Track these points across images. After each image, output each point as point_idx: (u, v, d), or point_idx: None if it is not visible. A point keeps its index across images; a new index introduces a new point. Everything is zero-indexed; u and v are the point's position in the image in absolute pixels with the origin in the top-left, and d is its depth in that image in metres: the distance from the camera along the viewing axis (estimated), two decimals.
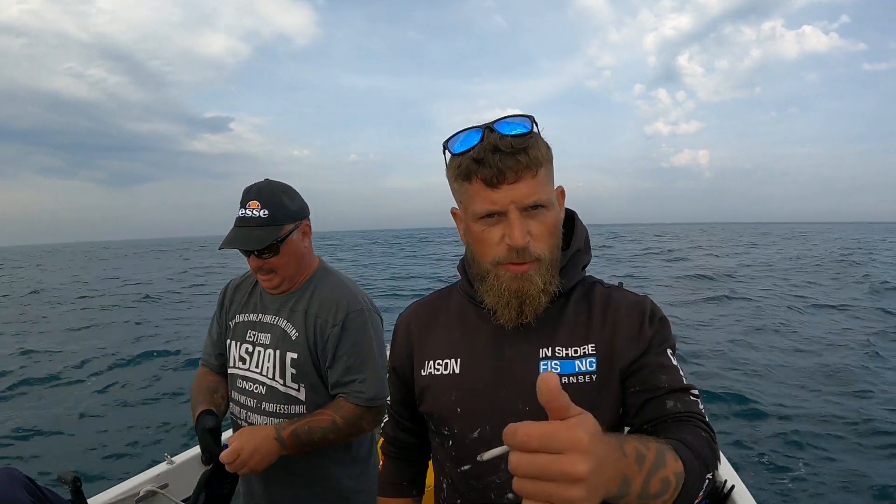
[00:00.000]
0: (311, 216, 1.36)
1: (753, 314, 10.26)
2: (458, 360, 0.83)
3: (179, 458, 1.95)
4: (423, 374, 0.86)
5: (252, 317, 1.36)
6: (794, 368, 6.47)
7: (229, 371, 1.38)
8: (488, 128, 0.74)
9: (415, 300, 0.97)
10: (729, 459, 1.91)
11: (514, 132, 0.73)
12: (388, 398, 1.01)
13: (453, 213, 0.85)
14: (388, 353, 1.25)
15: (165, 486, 1.82)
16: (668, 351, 0.80)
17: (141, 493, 1.76)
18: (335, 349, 1.27)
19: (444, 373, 0.83)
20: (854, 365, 6.41)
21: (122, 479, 1.80)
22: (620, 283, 0.97)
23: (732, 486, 1.67)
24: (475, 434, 0.80)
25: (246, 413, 1.34)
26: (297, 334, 1.29)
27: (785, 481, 3.74)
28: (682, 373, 0.79)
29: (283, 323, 1.31)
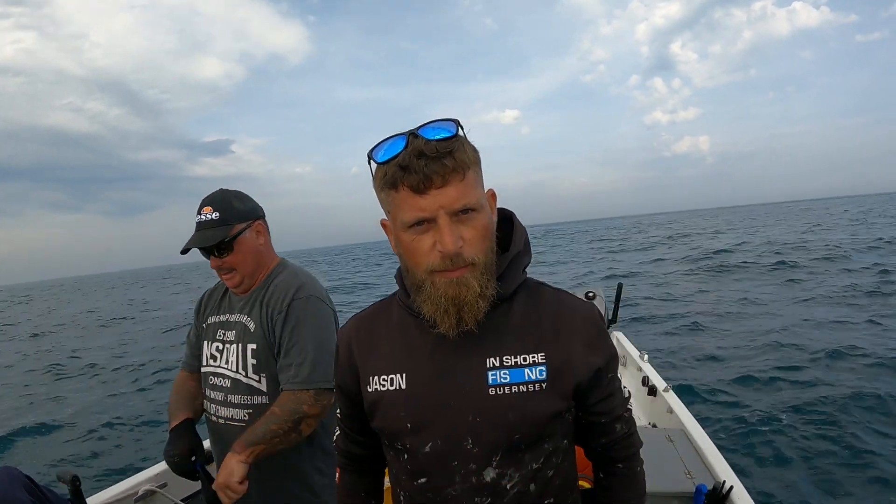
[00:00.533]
0: (266, 220, 1.46)
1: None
2: (404, 374, 0.81)
3: None
4: (369, 390, 0.84)
5: (222, 317, 1.45)
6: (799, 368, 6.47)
7: (202, 370, 1.46)
8: (412, 134, 0.72)
9: (354, 314, 0.94)
10: (728, 460, 1.92)
11: (438, 136, 0.71)
12: (332, 388, 1.03)
13: (383, 224, 0.82)
14: (334, 335, 1.32)
15: (164, 485, 1.83)
16: (617, 370, 0.87)
17: (140, 493, 1.76)
18: (279, 335, 1.33)
19: (391, 388, 0.82)
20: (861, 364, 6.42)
21: (120, 479, 1.81)
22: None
23: (731, 487, 1.68)
24: (427, 448, 0.79)
25: (215, 407, 1.41)
26: (254, 326, 1.37)
27: (785, 481, 3.75)
28: (622, 390, 0.90)
29: (244, 318, 1.39)
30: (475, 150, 0.75)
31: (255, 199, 1.45)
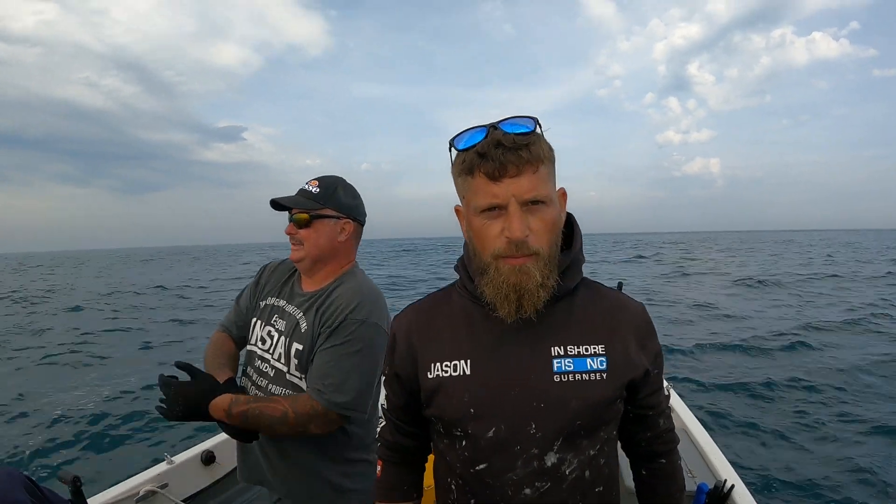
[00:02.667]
0: (363, 228, 1.45)
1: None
2: (469, 360, 0.83)
3: (179, 458, 1.95)
4: (429, 376, 0.85)
5: (280, 302, 1.42)
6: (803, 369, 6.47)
7: (249, 347, 1.44)
8: (493, 126, 0.76)
9: (409, 304, 0.96)
10: (729, 459, 1.91)
11: (517, 130, 0.75)
12: (385, 404, 1.00)
13: (456, 210, 0.87)
14: (381, 363, 1.27)
15: (165, 485, 1.83)
16: (663, 367, 0.91)
17: (141, 493, 1.76)
18: (320, 346, 1.29)
19: (455, 374, 0.83)
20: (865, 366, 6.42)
21: (121, 479, 1.80)
22: (620, 284, 1.00)
23: (732, 486, 1.67)
24: (490, 433, 0.80)
25: (256, 392, 1.39)
26: (306, 327, 1.33)
27: (786, 480, 3.74)
28: (665, 389, 0.96)
29: (299, 315, 1.35)
30: (551, 149, 0.79)
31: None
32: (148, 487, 1.78)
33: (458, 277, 0.92)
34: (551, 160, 0.79)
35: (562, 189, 0.84)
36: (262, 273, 1.52)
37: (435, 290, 0.96)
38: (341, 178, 1.41)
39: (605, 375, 0.80)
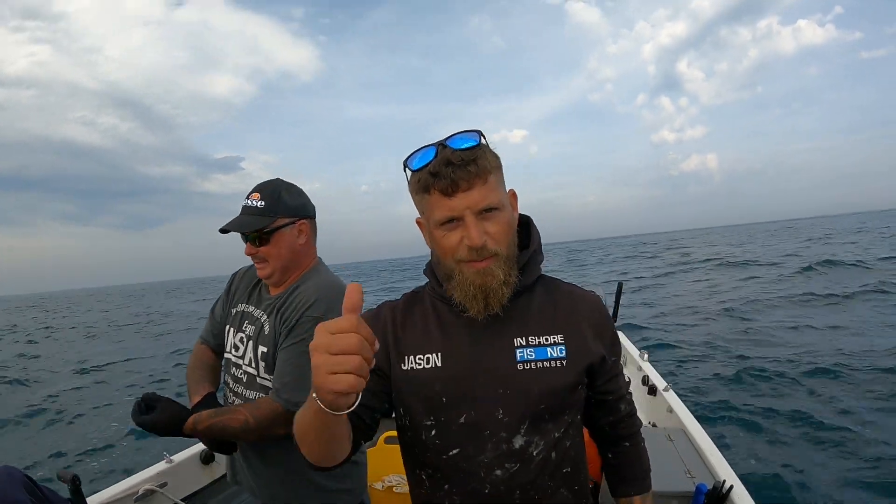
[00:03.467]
0: (315, 220, 1.42)
1: None
2: (439, 353, 0.90)
3: (178, 458, 1.95)
4: (403, 368, 0.91)
5: (249, 308, 1.43)
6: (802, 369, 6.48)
7: (225, 355, 1.46)
8: (441, 144, 0.83)
9: (385, 301, 1.02)
10: (728, 459, 1.92)
11: (463, 146, 0.82)
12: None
13: (418, 222, 0.93)
14: None
15: (164, 485, 1.83)
16: (620, 354, 0.99)
17: (140, 492, 1.76)
18: (279, 346, 1.30)
19: (427, 366, 0.90)
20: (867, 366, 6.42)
21: (121, 479, 1.80)
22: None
23: (731, 487, 1.67)
24: (461, 420, 0.87)
25: (234, 399, 1.41)
26: (269, 329, 1.34)
27: (785, 481, 3.75)
28: (624, 376, 1.01)
29: (264, 318, 1.37)
30: (496, 157, 0.86)
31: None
32: (147, 486, 1.78)
33: (427, 281, 0.99)
34: (498, 167, 0.86)
35: (511, 190, 0.91)
36: (232, 280, 1.54)
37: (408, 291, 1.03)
38: (280, 180, 1.39)
39: (564, 363, 0.87)
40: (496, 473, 0.85)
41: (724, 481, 1.70)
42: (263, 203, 1.32)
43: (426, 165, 0.82)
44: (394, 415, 0.98)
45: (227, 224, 1.33)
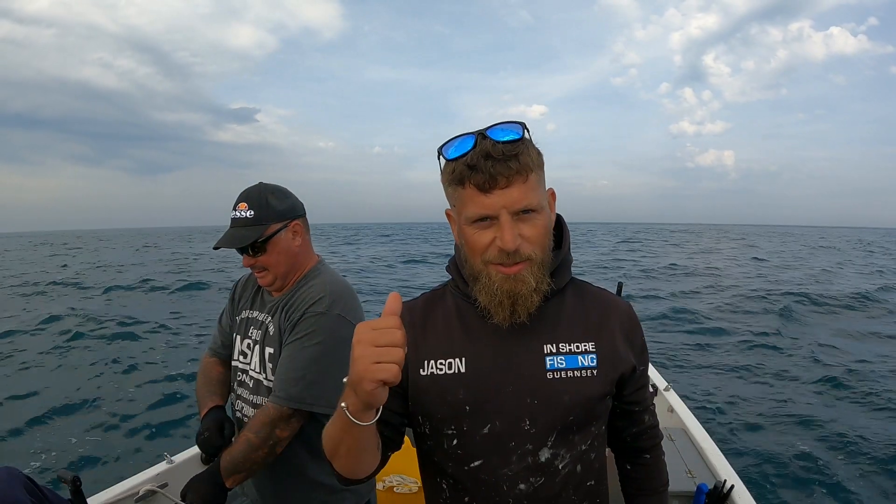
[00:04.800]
0: (315, 213, 1.41)
1: None
2: (463, 359, 0.84)
3: (179, 458, 1.94)
4: (423, 374, 0.86)
5: (253, 313, 1.42)
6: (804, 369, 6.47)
7: (232, 363, 1.45)
8: (481, 134, 0.76)
9: (403, 302, 0.96)
10: (728, 459, 1.91)
11: (505, 139, 0.75)
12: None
13: (447, 214, 0.87)
14: (348, 355, 1.22)
15: (165, 485, 1.82)
16: (648, 364, 0.94)
17: (140, 493, 1.76)
18: (283, 343, 1.29)
19: (449, 372, 0.84)
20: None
21: (121, 479, 1.80)
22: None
23: (732, 486, 1.67)
24: (485, 430, 0.82)
25: (242, 405, 1.41)
26: (273, 330, 1.34)
27: (785, 481, 3.75)
28: (649, 386, 0.97)
29: (268, 320, 1.36)
30: (539, 154, 0.79)
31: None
32: (148, 487, 1.77)
33: (450, 277, 0.93)
34: (540, 166, 0.79)
35: (551, 190, 0.85)
36: (235, 289, 1.54)
37: (428, 290, 0.97)
38: (265, 184, 1.37)
39: (595, 372, 0.83)
40: (520, 488, 0.81)
41: (725, 481, 1.69)
42: (252, 213, 1.30)
43: (463, 156, 0.76)
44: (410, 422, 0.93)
45: (220, 241, 1.31)
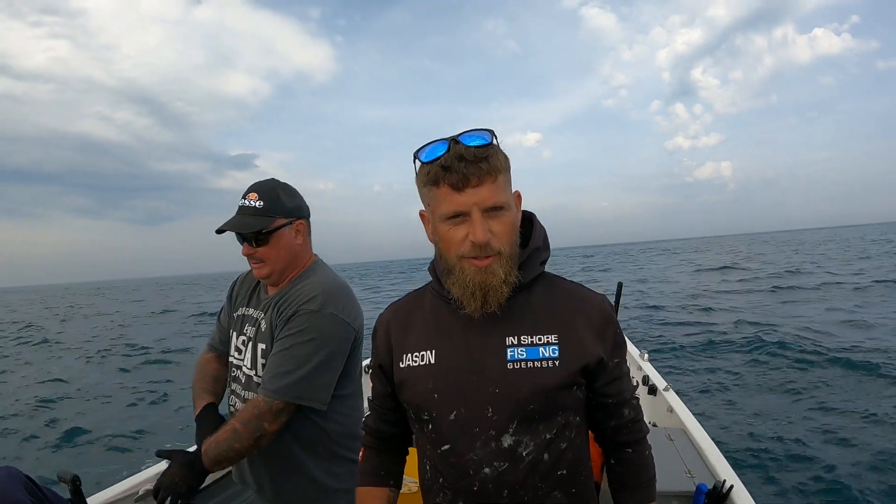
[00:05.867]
0: (310, 220, 1.43)
1: None
2: (433, 351, 0.92)
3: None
4: (401, 366, 0.94)
5: (249, 310, 1.43)
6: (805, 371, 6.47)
7: (230, 359, 1.47)
8: (454, 139, 0.83)
9: (391, 302, 1.05)
10: (728, 459, 1.91)
11: (476, 143, 0.82)
12: (370, 395, 1.07)
13: (421, 214, 0.93)
14: (340, 353, 1.30)
15: None
16: (624, 357, 0.96)
17: (140, 493, 1.76)
18: (275, 339, 1.29)
19: (421, 364, 0.92)
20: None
21: (121, 479, 1.80)
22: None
23: (731, 486, 1.67)
24: (452, 416, 0.88)
25: (235, 400, 1.43)
26: (265, 326, 1.34)
27: (785, 480, 3.75)
28: (629, 377, 0.97)
29: (262, 316, 1.37)
30: (506, 157, 0.86)
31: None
32: (147, 487, 1.77)
33: (430, 279, 0.99)
34: (508, 169, 0.86)
35: (517, 192, 0.91)
36: (233, 286, 1.54)
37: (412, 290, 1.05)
38: (277, 180, 1.38)
39: (557, 363, 0.86)
40: (485, 471, 0.85)
41: (725, 481, 1.70)
42: (262, 203, 1.31)
43: (438, 158, 0.83)
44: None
45: (225, 224, 1.31)
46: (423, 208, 0.91)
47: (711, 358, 7.30)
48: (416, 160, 0.87)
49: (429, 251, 0.97)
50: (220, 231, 1.31)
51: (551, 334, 0.88)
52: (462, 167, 0.80)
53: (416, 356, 0.93)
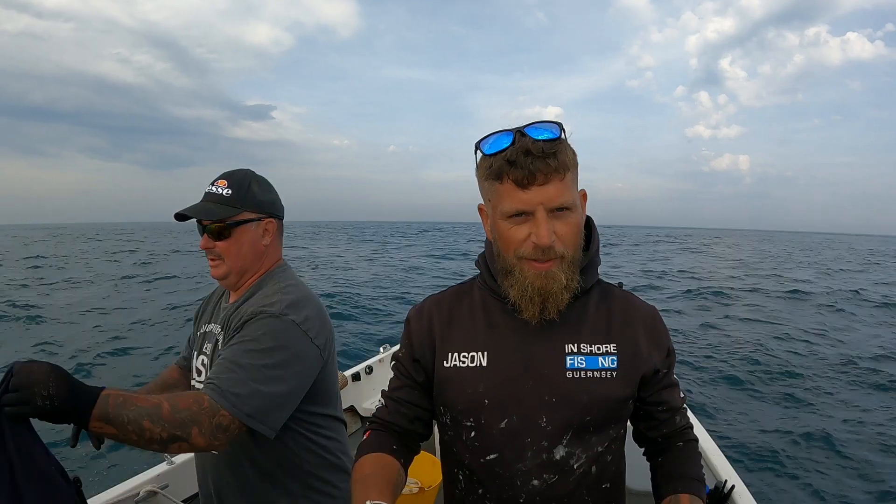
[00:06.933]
0: (283, 223, 1.27)
1: None
2: (486, 353, 0.86)
3: (179, 459, 1.94)
4: (446, 365, 0.88)
5: (210, 327, 1.28)
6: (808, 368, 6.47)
7: (192, 384, 1.29)
8: (519, 132, 0.77)
9: (429, 295, 0.98)
10: (729, 459, 1.91)
11: (543, 137, 0.76)
12: (386, 388, 0.97)
13: (480, 209, 0.88)
14: (295, 369, 1.05)
15: (165, 486, 1.82)
16: (674, 367, 0.93)
17: (141, 494, 1.76)
18: (225, 350, 1.07)
19: (471, 365, 0.86)
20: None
21: (122, 480, 1.80)
22: (620, 284, 1.01)
23: (733, 487, 1.67)
24: (502, 424, 0.83)
25: None
26: (222, 339, 1.17)
27: (786, 481, 3.74)
28: (679, 387, 0.94)
29: (218, 330, 1.20)
30: (575, 154, 0.81)
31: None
32: (148, 488, 1.77)
33: (479, 272, 0.95)
34: (576, 165, 0.81)
35: (583, 191, 0.86)
36: (198, 310, 1.40)
37: (457, 282, 0.99)
38: (252, 171, 1.24)
39: (615, 374, 0.83)
40: (533, 483, 0.81)
41: (726, 481, 1.69)
42: (230, 192, 1.17)
43: (502, 151, 0.77)
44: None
45: (186, 209, 1.16)
46: (482, 202, 0.86)
47: (711, 358, 7.29)
48: (478, 151, 0.81)
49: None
50: (179, 217, 1.16)
51: (609, 343, 0.85)
52: (528, 162, 0.75)
53: (464, 356, 0.87)
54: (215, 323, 1.25)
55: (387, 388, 0.98)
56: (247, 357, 1.02)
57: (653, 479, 0.94)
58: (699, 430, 2.19)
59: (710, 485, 1.71)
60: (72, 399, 0.79)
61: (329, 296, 11.86)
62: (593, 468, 0.84)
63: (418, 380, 0.93)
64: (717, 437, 2.41)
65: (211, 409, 0.94)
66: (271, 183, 1.26)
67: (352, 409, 2.84)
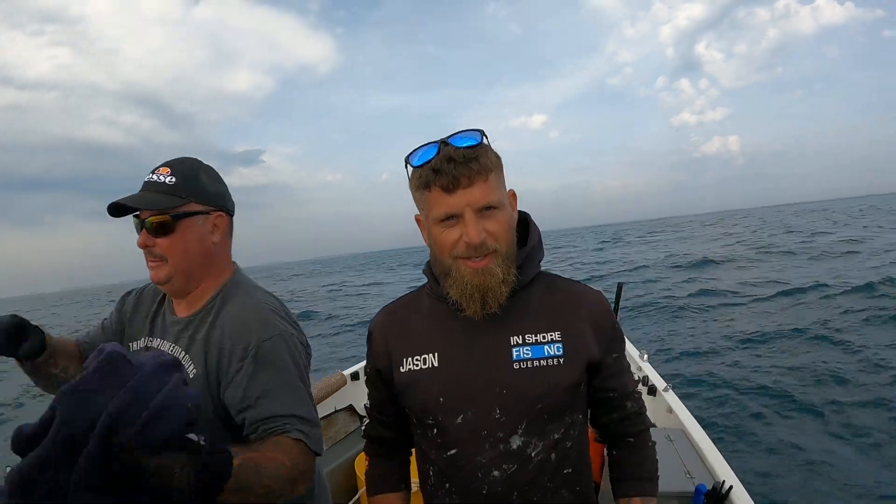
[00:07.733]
0: (233, 221, 1.14)
1: None
2: (436, 353, 0.90)
3: None
4: (402, 370, 0.92)
5: (154, 341, 1.09)
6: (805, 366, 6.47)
7: None
8: (443, 142, 0.83)
9: (383, 306, 1.03)
10: (727, 460, 1.91)
11: (465, 144, 0.82)
12: (367, 402, 1.05)
13: (417, 219, 0.92)
14: (309, 378, 1.05)
15: None
16: (623, 351, 0.96)
17: None
18: (253, 388, 0.95)
19: (424, 367, 0.90)
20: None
21: None
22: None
23: (731, 487, 1.67)
24: (459, 420, 0.87)
25: None
26: (195, 370, 1.00)
27: (784, 481, 3.75)
28: (630, 372, 0.98)
29: (181, 354, 1.03)
30: (497, 156, 0.86)
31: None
32: None
33: (426, 280, 0.99)
34: (499, 167, 0.85)
35: (511, 191, 0.91)
36: (122, 305, 1.17)
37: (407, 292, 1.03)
38: (199, 160, 1.08)
39: (562, 360, 0.86)
40: (494, 474, 0.84)
41: (724, 482, 1.70)
42: (174, 180, 1.01)
43: (428, 162, 0.82)
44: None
45: (123, 198, 0.99)
46: (419, 213, 0.90)
47: (710, 357, 7.30)
48: (408, 165, 0.86)
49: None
50: (114, 208, 0.99)
51: (554, 332, 0.88)
52: (451, 168, 0.79)
53: (417, 360, 0.91)
54: (162, 338, 1.08)
55: (367, 402, 1.06)
56: (296, 387, 0.98)
57: (610, 474, 1.00)
58: (696, 429, 2.20)
59: (708, 485, 1.71)
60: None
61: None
62: (552, 455, 0.86)
63: (387, 390, 0.98)
64: (716, 438, 2.41)
65: (301, 454, 0.91)
66: (220, 175, 1.12)
67: (351, 409, 2.85)
